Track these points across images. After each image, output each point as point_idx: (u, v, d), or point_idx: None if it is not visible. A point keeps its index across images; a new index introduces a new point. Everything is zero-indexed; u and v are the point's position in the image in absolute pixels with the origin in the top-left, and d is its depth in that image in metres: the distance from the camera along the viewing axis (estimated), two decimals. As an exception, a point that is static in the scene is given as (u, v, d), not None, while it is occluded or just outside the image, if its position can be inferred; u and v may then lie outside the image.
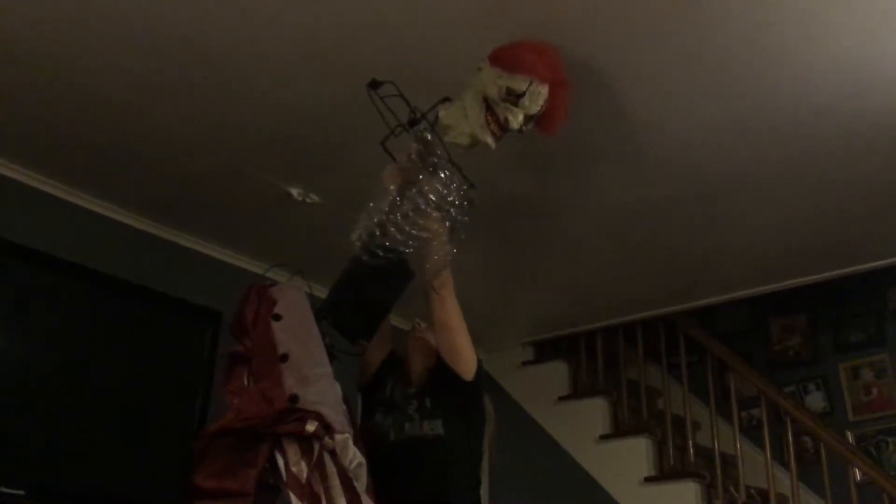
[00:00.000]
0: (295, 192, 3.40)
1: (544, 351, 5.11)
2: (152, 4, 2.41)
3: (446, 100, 2.33)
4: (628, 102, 2.81)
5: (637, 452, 4.47)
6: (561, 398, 4.86)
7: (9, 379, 3.09)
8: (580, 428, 4.69)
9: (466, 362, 2.39)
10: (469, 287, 4.19)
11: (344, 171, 3.24)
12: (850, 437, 4.78)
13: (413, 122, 2.24)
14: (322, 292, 2.45)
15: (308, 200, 3.44)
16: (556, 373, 4.95)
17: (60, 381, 3.21)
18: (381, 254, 2.15)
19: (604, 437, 4.61)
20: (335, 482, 1.93)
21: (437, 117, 2.31)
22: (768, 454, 4.28)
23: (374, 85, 2.25)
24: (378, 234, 2.15)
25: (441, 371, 2.41)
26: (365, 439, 2.33)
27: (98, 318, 3.39)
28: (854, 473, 4.18)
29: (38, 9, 2.44)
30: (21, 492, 2.98)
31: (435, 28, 2.48)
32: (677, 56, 2.59)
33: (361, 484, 2.00)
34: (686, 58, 2.59)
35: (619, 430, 4.65)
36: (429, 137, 2.20)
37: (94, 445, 3.24)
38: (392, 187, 2.20)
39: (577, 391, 4.88)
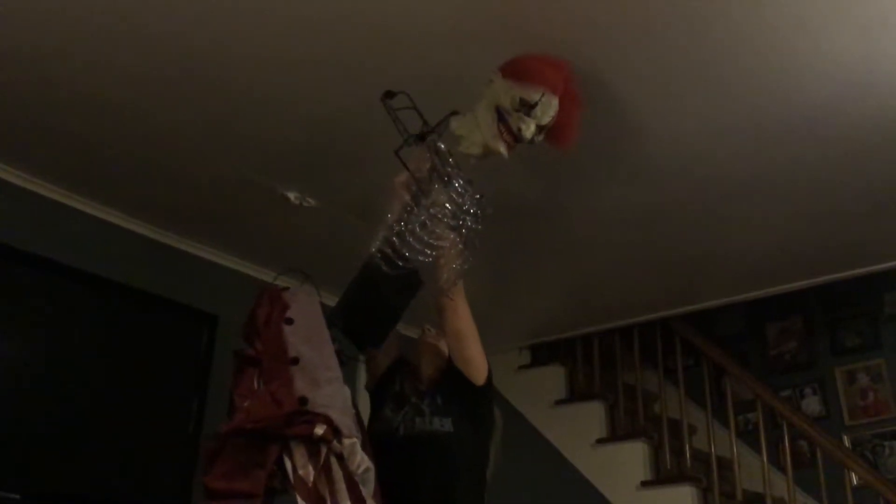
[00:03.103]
0: (292, 195, 3.40)
1: (541, 354, 5.11)
2: (156, 7, 2.40)
3: (455, 113, 2.35)
4: (627, 106, 2.81)
5: (634, 456, 4.47)
6: (557, 402, 4.86)
7: (5, 382, 3.08)
8: (577, 432, 4.69)
9: (478, 369, 2.40)
10: (466, 290, 4.20)
11: (342, 176, 3.24)
12: (846, 441, 4.79)
13: (424, 134, 2.26)
14: (322, 296, 2.46)
15: (305, 204, 3.44)
16: (553, 376, 4.95)
17: (57, 384, 3.20)
18: (400, 264, 2.17)
19: (600, 441, 4.61)
20: (341, 486, 1.93)
21: (447, 128, 2.32)
22: (765, 458, 4.29)
23: (389, 95, 2.26)
24: (397, 244, 2.16)
25: (452, 373, 2.42)
26: (373, 432, 2.35)
27: (95, 322, 3.38)
28: (850, 477, 4.18)
29: (40, 11, 2.43)
30: (16, 495, 2.97)
31: (446, 40, 2.49)
32: (677, 61, 2.59)
33: (368, 489, 2.00)
34: (685, 62, 2.60)
35: (615, 434, 4.65)
36: (442, 147, 2.21)
37: (90, 449, 3.23)
38: (407, 197, 2.21)
39: (574, 395, 4.88)
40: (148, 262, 3.65)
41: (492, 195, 3.18)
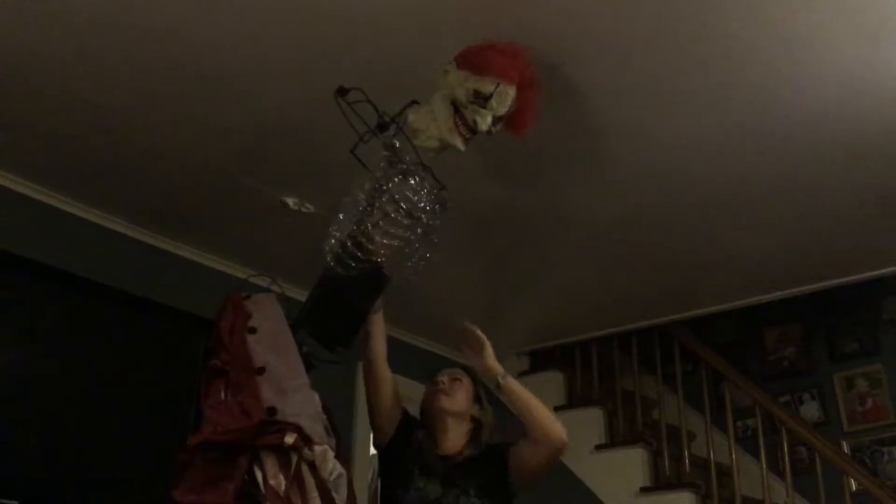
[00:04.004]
0: (290, 201, 3.40)
1: (539, 361, 5.10)
2: (145, 10, 2.41)
3: (414, 103, 2.33)
4: (619, 110, 2.81)
5: (632, 463, 4.47)
6: (556, 408, 4.83)
7: (2, 388, 3.07)
8: (575, 438, 4.58)
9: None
10: (463, 296, 4.22)
11: (340, 181, 3.20)
12: (845, 446, 4.78)
13: (383, 127, 2.24)
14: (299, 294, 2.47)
15: (303, 210, 3.44)
16: (552, 382, 4.94)
17: (52, 391, 3.19)
18: (353, 265, 2.16)
19: (599, 448, 4.60)
20: (314, 494, 1.92)
21: (406, 121, 2.31)
22: (764, 464, 4.28)
23: (342, 92, 2.25)
24: (350, 245, 2.15)
25: (495, 460, 2.44)
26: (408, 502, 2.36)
27: (90, 328, 3.37)
28: (849, 483, 4.17)
29: (29, 15, 2.43)
30: (15, 502, 2.97)
31: (431, 37, 2.48)
32: (670, 63, 2.59)
33: (341, 496, 2.00)
34: (679, 65, 2.60)
35: (614, 440, 4.64)
36: (396, 144, 2.20)
37: (87, 455, 3.22)
38: (362, 196, 2.21)
39: (573, 401, 4.87)
40: (144, 267, 3.65)
41: (486, 202, 3.24)
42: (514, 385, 2.39)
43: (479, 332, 2.39)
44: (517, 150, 2.60)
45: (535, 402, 2.38)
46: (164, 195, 3.41)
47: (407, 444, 2.48)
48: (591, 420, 4.70)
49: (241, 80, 2.71)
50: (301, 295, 2.65)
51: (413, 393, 4.35)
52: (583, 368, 4.90)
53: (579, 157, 3.08)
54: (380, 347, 2.52)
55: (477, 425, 2.53)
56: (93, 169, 3.23)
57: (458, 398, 2.51)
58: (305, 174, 3.24)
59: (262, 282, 2.52)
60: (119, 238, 3.60)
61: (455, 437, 2.49)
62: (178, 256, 3.81)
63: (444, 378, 2.55)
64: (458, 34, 2.43)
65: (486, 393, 2.59)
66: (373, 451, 4.67)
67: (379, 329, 2.51)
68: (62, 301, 3.31)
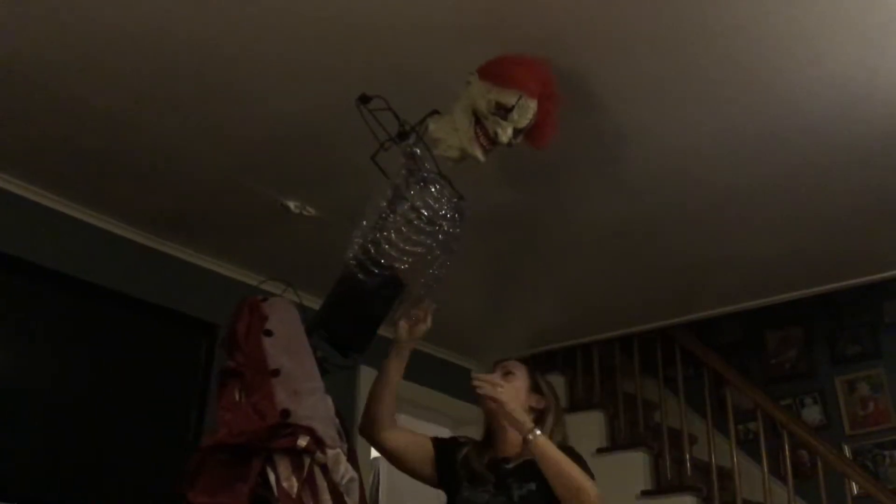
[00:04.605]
0: (292, 204, 3.40)
1: (540, 363, 5.09)
2: (148, 13, 2.40)
3: (435, 112, 2.34)
4: (621, 114, 2.81)
5: (634, 466, 4.46)
6: (557, 411, 4.85)
7: (2, 391, 3.07)
8: (576, 441, 4.62)
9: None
10: (465, 299, 4.22)
11: (341, 184, 3.23)
12: (846, 450, 4.78)
13: (403, 135, 2.25)
14: (318, 304, 2.46)
15: (305, 213, 3.44)
16: (553, 385, 4.94)
17: (54, 394, 3.19)
18: (376, 271, 2.17)
19: (600, 451, 4.59)
20: (325, 497, 1.92)
21: (426, 130, 2.31)
22: (765, 468, 4.28)
23: (364, 100, 2.26)
24: (372, 251, 2.15)
25: None
26: None
27: (92, 330, 3.37)
28: (851, 487, 4.17)
29: (29, 16, 2.42)
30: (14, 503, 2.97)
31: (429, 40, 2.48)
32: (671, 68, 2.58)
33: (353, 499, 2.00)
34: (680, 70, 2.59)
35: (615, 443, 4.63)
36: (417, 152, 2.20)
37: (88, 458, 3.23)
38: (384, 203, 2.21)
39: (574, 404, 4.86)
40: (147, 270, 3.65)
41: (487, 205, 3.23)
42: (544, 446, 2.26)
43: (495, 391, 2.30)
44: (520, 154, 2.60)
45: (565, 466, 2.26)
46: (163, 198, 3.39)
47: (453, 467, 2.44)
48: (593, 423, 4.69)
49: (243, 82, 2.70)
50: (302, 297, 2.65)
51: (413, 394, 4.38)
52: (584, 371, 4.90)
53: (580, 160, 3.08)
54: (385, 408, 2.42)
55: (539, 416, 2.46)
56: (94, 172, 3.22)
57: (516, 380, 2.47)
58: (307, 177, 3.24)
59: (276, 288, 2.52)
60: (120, 241, 3.59)
61: (514, 434, 2.41)
62: (178, 259, 3.81)
63: (496, 374, 2.53)
64: (457, 37, 2.43)
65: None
66: (374, 454, 4.70)
67: (390, 390, 2.43)
68: (63, 303, 3.31)
